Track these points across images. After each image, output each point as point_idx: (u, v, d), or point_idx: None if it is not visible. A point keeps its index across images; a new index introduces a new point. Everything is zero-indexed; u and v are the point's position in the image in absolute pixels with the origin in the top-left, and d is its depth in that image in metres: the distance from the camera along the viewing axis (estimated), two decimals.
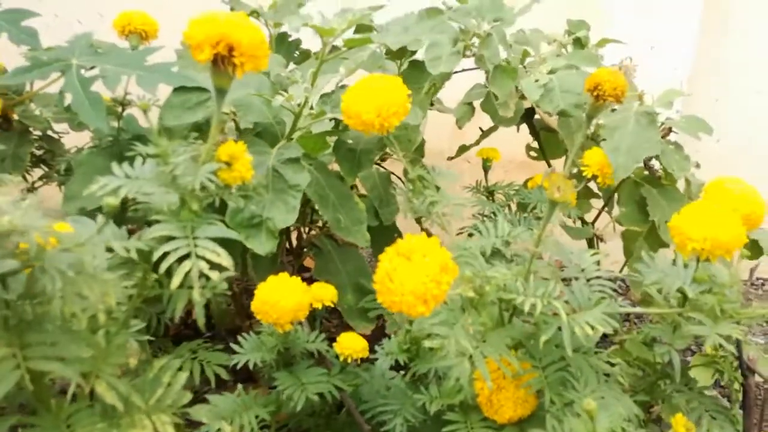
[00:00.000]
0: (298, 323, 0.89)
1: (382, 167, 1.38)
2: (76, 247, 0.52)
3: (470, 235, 1.24)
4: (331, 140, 1.15)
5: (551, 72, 1.14)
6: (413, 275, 0.60)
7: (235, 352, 0.90)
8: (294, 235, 1.32)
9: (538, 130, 1.35)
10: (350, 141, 1.11)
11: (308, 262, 1.31)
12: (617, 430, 0.68)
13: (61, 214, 0.98)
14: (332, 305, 0.94)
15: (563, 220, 1.22)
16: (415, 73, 1.15)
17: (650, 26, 1.73)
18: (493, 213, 1.24)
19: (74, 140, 1.18)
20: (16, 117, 1.08)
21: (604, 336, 1.27)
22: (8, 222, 0.47)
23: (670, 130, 1.20)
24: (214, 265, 0.58)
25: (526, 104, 1.23)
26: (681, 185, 1.23)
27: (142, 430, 0.64)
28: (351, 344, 0.89)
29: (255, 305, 0.84)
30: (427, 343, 0.68)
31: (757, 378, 0.97)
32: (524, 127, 1.38)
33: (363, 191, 1.26)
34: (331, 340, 0.93)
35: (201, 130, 1.01)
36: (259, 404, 0.89)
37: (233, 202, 0.61)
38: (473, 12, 1.14)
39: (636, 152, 1.07)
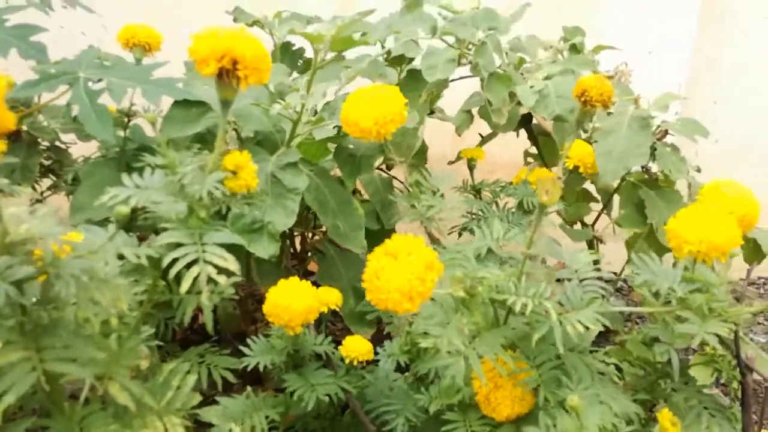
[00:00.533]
0: (306, 326, 0.92)
1: (385, 172, 1.41)
2: (89, 254, 0.55)
3: (460, 234, 1.28)
4: (333, 146, 1.18)
5: (547, 78, 1.17)
6: (399, 273, 0.63)
7: (242, 356, 0.93)
8: (298, 240, 1.35)
9: (536, 135, 1.38)
10: (351, 146, 1.14)
11: (312, 267, 1.34)
12: (607, 426, 0.70)
13: (70, 224, 1.01)
14: (337, 309, 0.97)
15: (562, 223, 1.25)
16: (413, 80, 1.18)
17: (647, 30, 1.76)
18: (481, 210, 1.26)
19: (81, 150, 1.22)
20: (24, 128, 1.11)
21: (606, 336, 1.29)
22: (26, 230, 0.50)
23: (666, 132, 1.23)
24: (221, 270, 0.60)
25: (523, 110, 1.26)
26: (683, 188, 1.26)
27: (154, 431, 0.67)
28: (356, 347, 0.92)
29: (267, 308, 0.86)
30: (422, 343, 0.71)
31: (758, 377, 0.99)
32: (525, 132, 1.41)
33: (366, 197, 1.29)
34: (337, 343, 0.96)
35: (202, 140, 1.04)
36: (268, 406, 0.91)
37: (238, 209, 0.64)
38: (468, 22, 1.18)
39: (626, 159, 1.11)
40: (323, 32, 1.05)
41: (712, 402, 0.92)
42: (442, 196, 0.93)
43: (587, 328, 0.75)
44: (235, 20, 1.29)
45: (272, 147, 1.08)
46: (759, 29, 1.85)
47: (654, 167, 1.26)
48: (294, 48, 1.36)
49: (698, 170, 1.28)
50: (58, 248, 0.52)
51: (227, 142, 1.04)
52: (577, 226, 1.35)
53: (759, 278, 1.96)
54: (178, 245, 0.60)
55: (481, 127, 1.39)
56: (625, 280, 1.57)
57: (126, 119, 1.08)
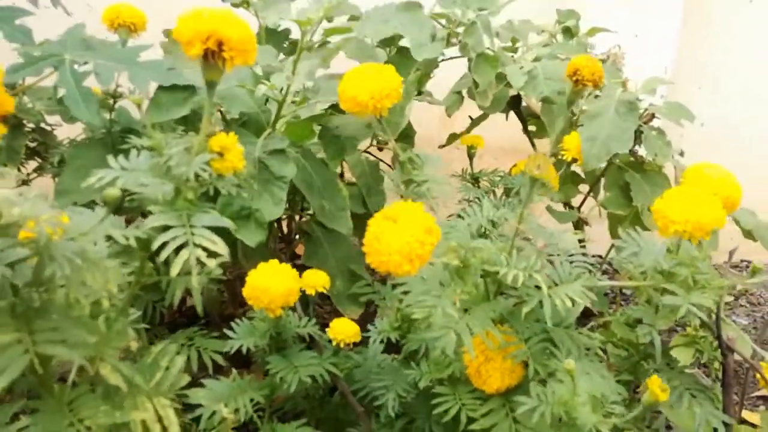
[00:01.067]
0: (289, 309, 0.93)
1: (372, 155, 1.42)
2: (80, 236, 0.56)
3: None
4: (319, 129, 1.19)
5: (536, 60, 1.18)
6: (399, 236, 0.65)
7: (229, 339, 0.94)
8: (285, 223, 1.36)
9: (525, 117, 1.39)
10: (336, 127, 1.14)
11: (300, 250, 1.36)
12: (596, 395, 0.73)
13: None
14: (324, 291, 0.98)
15: (549, 204, 1.27)
16: (402, 59, 1.19)
17: (634, 13, 1.77)
18: (478, 198, 1.28)
19: (67, 132, 1.22)
20: None
21: (591, 318, 1.32)
22: (18, 213, 0.51)
23: (653, 116, 1.25)
24: (210, 253, 0.62)
25: (513, 92, 1.27)
26: (670, 172, 1.28)
27: (144, 412, 0.68)
28: (343, 329, 0.93)
29: (246, 291, 0.88)
30: (415, 314, 0.72)
31: (739, 358, 1.02)
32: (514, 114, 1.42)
33: (353, 180, 1.30)
34: (324, 325, 0.97)
35: (187, 122, 1.04)
36: (254, 388, 0.93)
37: (226, 191, 0.65)
38: (459, 1, 1.18)
39: (610, 144, 1.12)
40: (311, 15, 1.05)
41: (693, 382, 0.94)
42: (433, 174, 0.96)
43: (574, 303, 0.77)
44: (223, 0, 1.29)
45: (258, 128, 1.09)
46: (744, 13, 1.87)
47: (641, 151, 1.28)
48: (279, 29, 1.36)
49: (681, 154, 1.30)
50: (51, 230, 0.53)
51: (213, 124, 1.05)
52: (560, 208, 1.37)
53: (742, 261, 2.00)
54: (167, 228, 0.61)
55: (471, 109, 1.41)
56: (610, 263, 1.60)
57: (112, 101, 1.09)
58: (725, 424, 0.92)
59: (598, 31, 1.36)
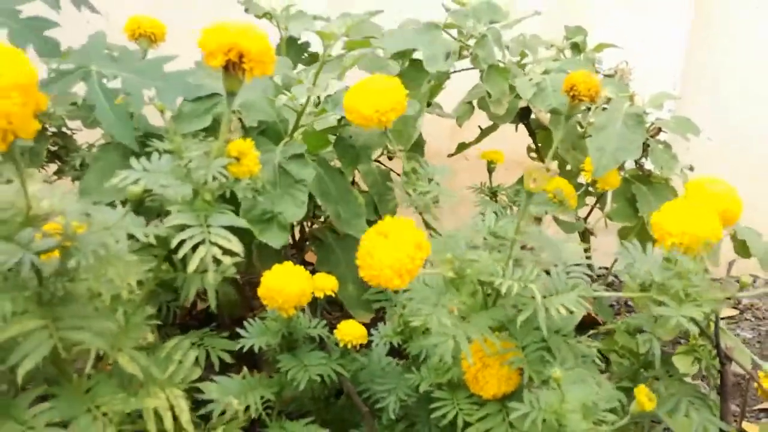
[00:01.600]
0: (300, 310, 0.97)
1: (384, 165, 1.47)
2: (103, 231, 0.60)
3: None
4: (333, 138, 1.23)
5: (545, 73, 1.22)
6: (390, 252, 0.70)
7: (239, 337, 0.98)
8: (297, 230, 1.40)
9: (534, 129, 1.43)
10: (350, 137, 1.19)
11: (310, 257, 1.40)
12: (588, 402, 0.76)
13: None
14: (333, 294, 1.02)
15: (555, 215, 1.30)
16: (414, 71, 1.24)
17: (643, 29, 1.81)
18: (495, 213, 1.32)
19: (86, 136, 1.27)
20: None
21: (596, 328, 1.35)
22: (48, 205, 0.55)
23: (659, 130, 1.28)
24: (225, 251, 0.66)
25: (522, 104, 1.31)
26: (680, 186, 1.31)
27: (156, 399, 0.72)
28: (351, 331, 0.97)
29: (261, 291, 0.91)
30: (413, 322, 0.76)
31: (741, 370, 1.05)
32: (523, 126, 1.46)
33: (365, 188, 1.34)
34: (332, 330, 1.01)
35: (208, 132, 1.09)
36: (263, 386, 0.97)
37: (242, 194, 0.69)
38: (470, 14, 1.23)
39: (618, 154, 1.16)
40: (335, 30, 1.10)
41: (692, 390, 0.97)
42: (437, 184, 0.99)
43: (571, 312, 0.81)
44: (246, 11, 1.34)
45: (276, 137, 1.13)
46: (752, 27, 1.90)
47: (647, 164, 1.31)
48: (299, 41, 1.41)
49: (691, 168, 1.33)
50: (77, 224, 0.58)
51: (232, 131, 1.10)
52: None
53: (754, 277, 2.01)
54: (186, 227, 0.66)
55: (481, 120, 1.45)
56: (616, 276, 1.63)
57: None
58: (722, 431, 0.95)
59: (605, 46, 1.39)
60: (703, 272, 0.81)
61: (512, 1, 1.28)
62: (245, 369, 0.98)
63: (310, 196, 1.21)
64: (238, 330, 0.98)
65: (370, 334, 1.00)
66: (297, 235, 1.40)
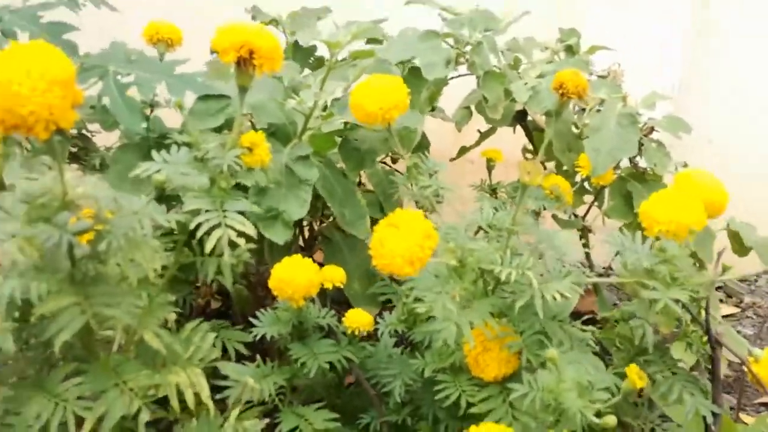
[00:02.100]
0: (310, 300, 1.03)
1: (389, 166, 1.53)
2: (132, 216, 0.66)
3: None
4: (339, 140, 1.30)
5: (540, 76, 1.28)
6: (401, 241, 0.75)
7: (251, 326, 1.04)
8: (306, 229, 1.46)
9: (531, 131, 1.49)
10: (356, 140, 1.25)
11: (317, 257, 1.46)
12: (582, 381, 0.81)
13: None
14: (341, 286, 1.07)
15: (555, 213, 1.35)
16: (414, 79, 1.30)
17: (642, 33, 1.87)
18: (495, 209, 1.38)
19: (104, 139, 1.34)
20: None
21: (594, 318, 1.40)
22: (82, 191, 0.61)
23: (652, 129, 1.34)
24: (240, 234, 0.72)
25: (519, 107, 1.37)
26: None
27: (178, 376, 0.78)
28: (358, 319, 1.03)
29: (272, 282, 0.97)
30: (418, 308, 0.82)
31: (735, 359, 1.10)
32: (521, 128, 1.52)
33: (370, 188, 1.41)
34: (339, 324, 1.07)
35: (220, 131, 1.16)
36: (276, 373, 1.02)
37: (251, 182, 0.75)
38: (466, 22, 1.30)
39: (615, 153, 1.22)
40: (341, 39, 1.17)
41: (685, 375, 1.02)
42: (437, 179, 1.05)
43: (566, 298, 0.86)
44: (253, 18, 1.41)
45: (285, 139, 1.20)
46: (751, 28, 1.95)
47: (642, 162, 1.37)
48: (305, 46, 1.48)
49: (685, 165, 1.39)
50: (108, 209, 0.64)
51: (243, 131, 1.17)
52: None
53: (756, 276, 2.06)
54: (203, 211, 0.72)
55: (480, 124, 1.51)
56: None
57: (149, 110, 1.20)
58: (714, 414, 1.00)
59: (598, 48, 1.45)
60: (688, 258, 0.86)
61: (508, 4, 1.35)
62: (258, 357, 1.04)
63: (319, 197, 1.27)
64: (251, 319, 1.04)
65: (376, 322, 1.05)
66: (306, 234, 1.46)
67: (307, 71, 1.40)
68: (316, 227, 1.46)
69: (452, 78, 1.34)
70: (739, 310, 1.83)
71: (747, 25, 1.95)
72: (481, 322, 0.84)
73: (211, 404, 0.78)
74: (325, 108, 1.24)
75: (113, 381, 0.73)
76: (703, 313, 1.03)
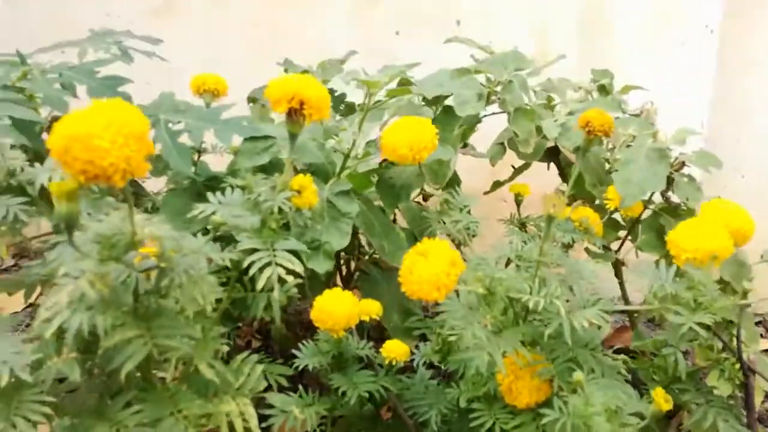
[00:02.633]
0: (349, 332, 1.10)
1: (421, 204, 1.60)
2: (192, 254, 0.74)
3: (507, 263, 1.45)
4: (375, 179, 1.38)
5: (570, 114, 1.35)
6: (428, 269, 0.82)
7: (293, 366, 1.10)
8: (344, 267, 1.54)
9: (563, 167, 1.55)
10: (391, 178, 1.33)
11: (354, 294, 1.53)
12: (611, 406, 0.86)
13: None
14: (377, 319, 1.14)
15: (587, 246, 1.41)
16: (447, 116, 1.38)
17: (671, 71, 1.93)
18: (524, 241, 1.44)
19: (153, 185, 1.44)
20: None
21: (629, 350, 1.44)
22: (149, 231, 0.70)
23: (683, 164, 1.39)
24: (289, 272, 0.80)
25: (550, 143, 1.44)
26: None
27: (228, 406, 0.85)
28: (395, 349, 1.09)
29: (314, 314, 1.04)
30: (449, 337, 0.88)
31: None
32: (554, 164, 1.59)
33: (404, 225, 1.48)
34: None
35: (265, 170, 1.24)
36: (318, 402, 1.09)
37: (301, 222, 0.83)
38: (498, 63, 1.38)
39: (644, 185, 1.27)
40: (380, 79, 1.27)
41: (720, 402, 1.07)
42: (468, 212, 1.12)
43: (595, 325, 0.92)
44: (285, 71, 1.51)
45: (324, 177, 1.28)
46: None
47: (673, 197, 1.42)
48: (336, 93, 1.58)
49: None
50: (171, 248, 0.72)
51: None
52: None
53: None
54: (255, 250, 0.80)
55: (514, 160, 1.58)
56: None
57: (197, 156, 1.30)
58: None
59: (632, 88, 1.52)
60: (713, 284, 0.91)
61: (542, 47, 1.42)
62: (301, 387, 1.10)
63: (355, 234, 1.35)
64: (294, 351, 1.11)
65: (411, 353, 1.12)
66: (344, 271, 1.53)
67: (338, 117, 1.50)
68: (353, 264, 1.53)
69: (485, 116, 1.42)
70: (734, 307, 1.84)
71: None
72: (512, 350, 0.90)
73: None
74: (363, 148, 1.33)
75: (169, 410, 0.81)
76: (734, 340, 1.07)
